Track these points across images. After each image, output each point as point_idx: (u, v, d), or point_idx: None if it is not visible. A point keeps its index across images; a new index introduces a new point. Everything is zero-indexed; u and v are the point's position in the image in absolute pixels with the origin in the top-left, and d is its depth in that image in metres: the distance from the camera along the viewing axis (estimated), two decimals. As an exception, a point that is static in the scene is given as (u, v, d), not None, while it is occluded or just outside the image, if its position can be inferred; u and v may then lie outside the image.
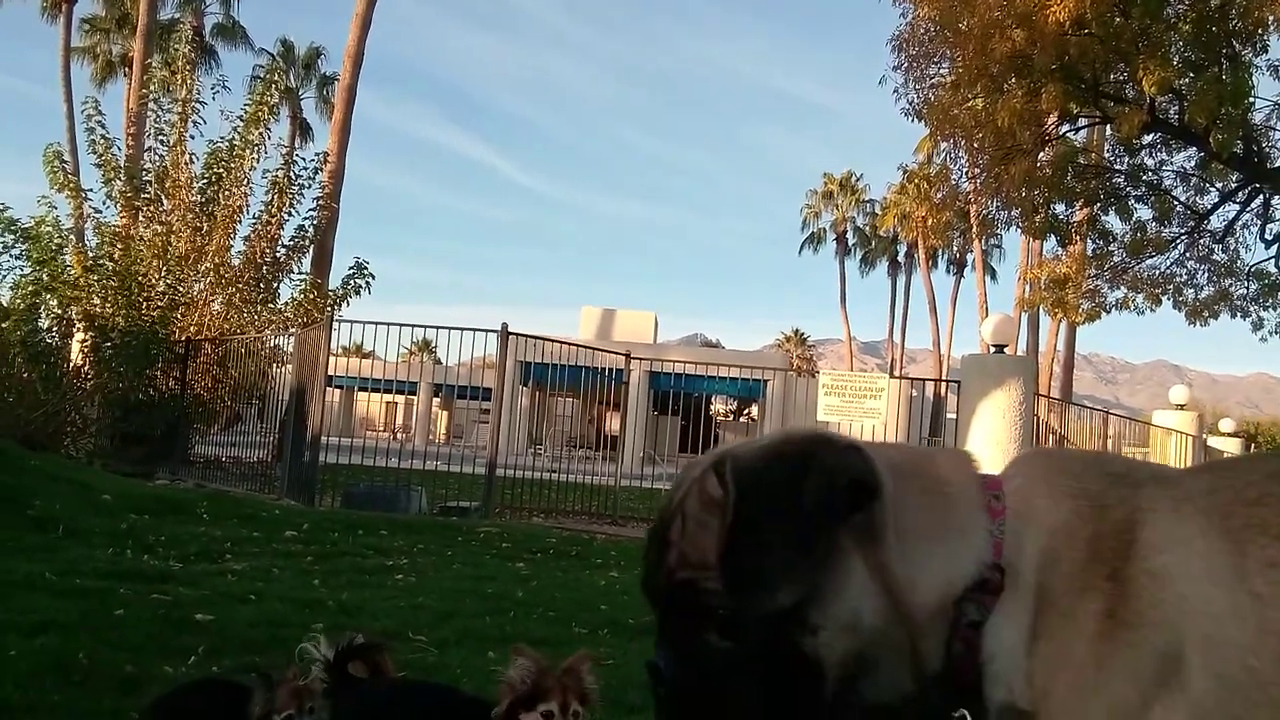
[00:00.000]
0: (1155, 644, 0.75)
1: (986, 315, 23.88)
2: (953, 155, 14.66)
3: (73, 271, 13.79)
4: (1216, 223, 14.48)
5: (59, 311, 13.77)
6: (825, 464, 0.82)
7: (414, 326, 12.61)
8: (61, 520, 6.08)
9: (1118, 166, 14.56)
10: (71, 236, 14.32)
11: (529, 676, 1.79)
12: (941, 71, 13.30)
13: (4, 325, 13.03)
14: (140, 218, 14.37)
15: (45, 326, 13.68)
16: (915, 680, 0.84)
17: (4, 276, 13.39)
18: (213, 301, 14.48)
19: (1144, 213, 14.74)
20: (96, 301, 13.48)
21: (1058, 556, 0.81)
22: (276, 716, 1.97)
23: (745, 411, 43.85)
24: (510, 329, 10.56)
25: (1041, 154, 13.53)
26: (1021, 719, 0.80)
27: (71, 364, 13.57)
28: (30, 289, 13.33)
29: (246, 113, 14.72)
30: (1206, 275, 14.65)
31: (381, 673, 2.08)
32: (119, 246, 13.84)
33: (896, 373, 42.45)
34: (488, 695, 1.93)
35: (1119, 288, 14.68)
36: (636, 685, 3.60)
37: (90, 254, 14.11)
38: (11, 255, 13.34)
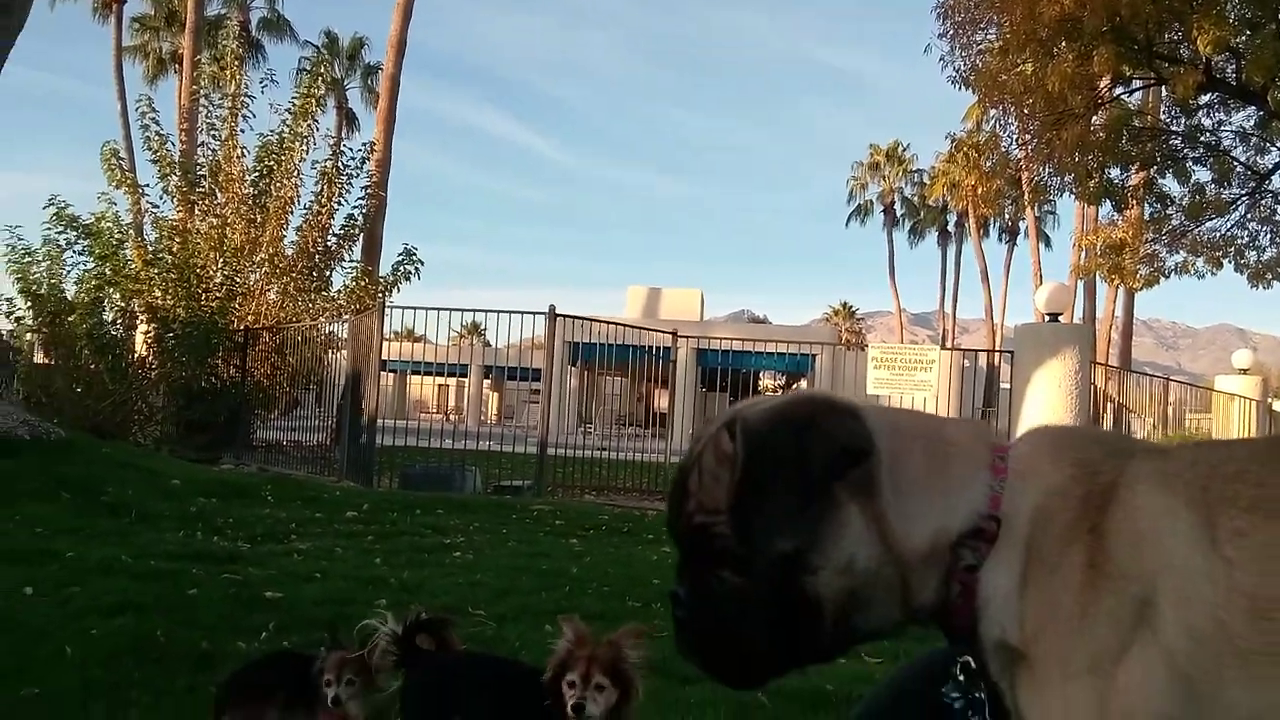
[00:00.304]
0: (1133, 594, 0.82)
1: (1041, 283, 23.43)
2: (1002, 122, 14.36)
3: (134, 265, 14.20)
4: (1278, 182, 14.02)
5: (122, 304, 14.18)
6: (824, 427, 0.93)
7: (463, 310, 12.77)
8: (133, 506, 6.28)
9: (1174, 128, 14.14)
10: (131, 231, 14.73)
11: (568, 645, 1.86)
12: (989, 37, 13.02)
13: (70, 319, 13.48)
14: (196, 211, 14.73)
15: (110, 319, 14.11)
16: (905, 614, 0.95)
17: (69, 272, 13.86)
18: (268, 291, 14.80)
19: (1202, 174, 14.35)
20: (158, 293, 13.86)
21: (1050, 514, 0.89)
22: (326, 681, 2.09)
23: (794, 386, 43.66)
24: (558, 310, 10.65)
25: (1094, 118, 13.20)
26: (1012, 656, 0.88)
27: (136, 355, 13.99)
28: (94, 283, 13.76)
29: (294, 106, 14.97)
30: (1269, 236, 14.22)
31: (447, 646, 2.17)
32: (177, 240, 14.20)
33: (948, 344, 41.85)
34: (546, 666, 2.01)
35: (1178, 251, 14.32)
36: (690, 658, 3.67)
37: (150, 248, 14.51)
38: (74, 251, 13.81)
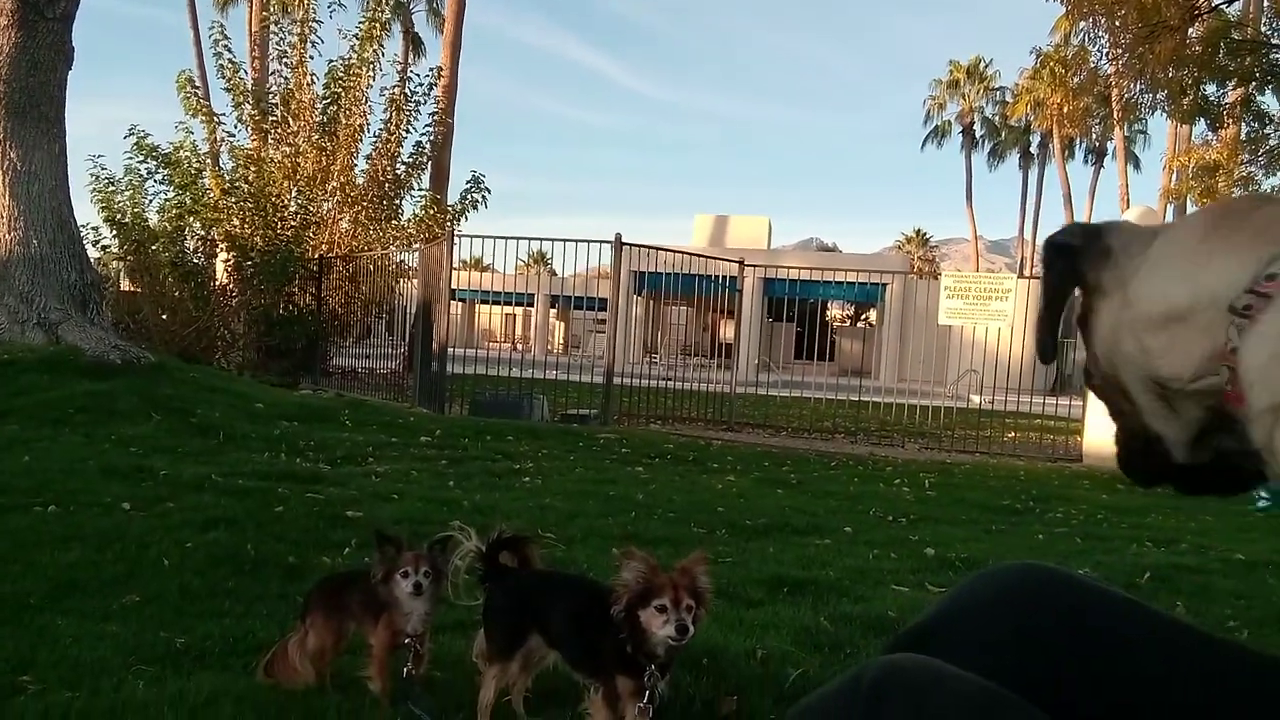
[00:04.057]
0: None
1: (1128, 208, 22.49)
2: (1092, 35, 13.68)
3: (212, 194, 14.54)
4: (1394, 98, 13.13)
5: (202, 233, 14.59)
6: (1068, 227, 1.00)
7: (529, 240, 12.86)
8: (221, 428, 6.56)
9: (1276, 41, 13.26)
10: (208, 160, 15.06)
11: (642, 576, 1.86)
12: (1079, -56, 12.31)
13: (153, 247, 13.94)
14: (269, 140, 14.95)
15: (191, 248, 14.55)
16: (1161, 382, 0.89)
17: (150, 201, 14.28)
18: (341, 220, 15.05)
19: (1307, 90, 13.49)
20: (236, 222, 14.20)
21: None
22: (404, 574, 2.15)
23: (863, 316, 43.01)
24: (624, 239, 10.63)
25: (1190, 30, 12.45)
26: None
27: (217, 282, 14.45)
28: (175, 212, 14.16)
29: (361, 31, 14.97)
30: (1379, 157, 13.39)
31: (528, 563, 2.24)
32: (252, 169, 14.47)
33: (1026, 272, 40.61)
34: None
35: (1276, 173, 13.59)
36: (754, 582, 3.74)
37: (226, 177, 14.83)
38: (155, 180, 14.20)
